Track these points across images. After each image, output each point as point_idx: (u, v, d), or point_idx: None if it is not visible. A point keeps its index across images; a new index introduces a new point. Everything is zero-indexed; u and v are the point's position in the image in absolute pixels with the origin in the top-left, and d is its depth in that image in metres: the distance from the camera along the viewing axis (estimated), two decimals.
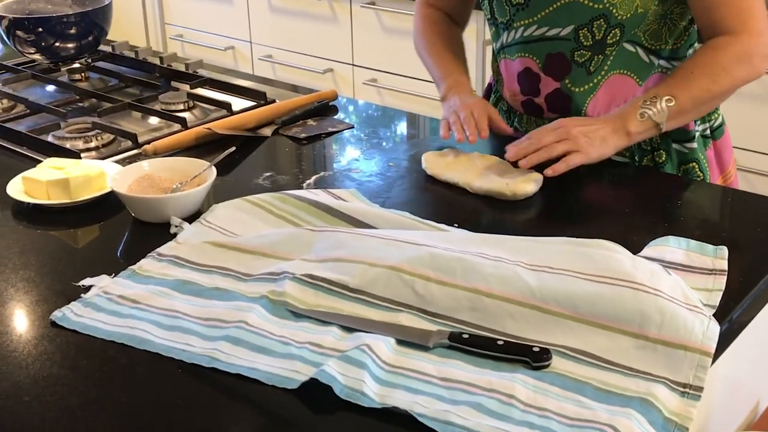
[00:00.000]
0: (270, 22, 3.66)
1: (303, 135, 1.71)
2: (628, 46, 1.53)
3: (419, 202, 1.45)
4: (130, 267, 1.21)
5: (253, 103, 1.87)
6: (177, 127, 1.74)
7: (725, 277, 1.16)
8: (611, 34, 1.51)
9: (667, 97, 1.44)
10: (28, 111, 1.83)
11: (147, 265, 1.22)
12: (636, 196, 1.46)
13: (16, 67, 2.09)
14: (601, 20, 1.49)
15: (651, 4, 1.48)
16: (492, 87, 1.80)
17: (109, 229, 1.39)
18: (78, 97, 1.91)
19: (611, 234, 1.21)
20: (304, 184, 1.49)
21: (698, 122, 1.61)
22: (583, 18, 1.50)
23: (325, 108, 1.86)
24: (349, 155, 1.64)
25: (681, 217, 1.37)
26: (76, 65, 2.09)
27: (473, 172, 1.47)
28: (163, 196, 1.35)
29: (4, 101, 1.88)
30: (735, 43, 1.45)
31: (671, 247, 1.21)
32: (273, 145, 1.69)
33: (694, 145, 1.60)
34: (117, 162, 1.57)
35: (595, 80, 1.56)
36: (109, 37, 2.15)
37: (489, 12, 1.64)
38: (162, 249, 1.25)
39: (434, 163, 1.52)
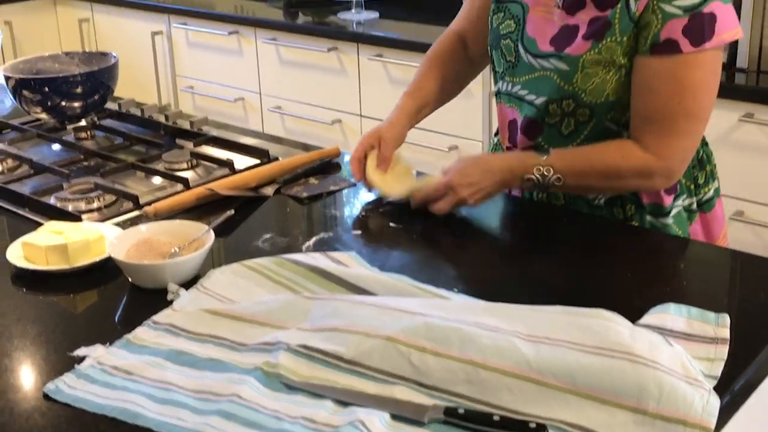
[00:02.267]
0: (279, 74, 3.69)
1: (305, 194, 1.71)
2: (610, 123, 1.57)
3: (419, 264, 1.44)
4: (125, 335, 1.21)
5: (256, 161, 1.88)
6: (180, 186, 1.74)
7: (727, 345, 1.14)
8: (580, 112, 1.56)
9: (558, 176, 1.52)
10: (32, 171, 1.84)
11: (142, 333, 1.21)
12: (637, 258, 1.44)
13: (22, 126, 2.10)
14: (571, 100, 1.56)
15: (624, 93, 1.52)
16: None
17: (107, 294, 1.38)
18: (83, 157, 1.92)
19: (611, 298, 1.19)
20: (304, 247, 1.49)
21: (682, 196, 1.61)
22: (555, 93, 1.57)
23: (328, 165, 1.86)
24: (350, 215, 1.64)
25: (683, 282, 1.36)
26: (82, 123, 2.10)
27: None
28: (159, 263, 1.34)
29: (9, 161, 1.89)
30: (640, 158, 1.50)
31: (672, 314, 1.20)
32: (274, 204, 1.69)
33: (670, 220, 1.60)
34: (118, 224, 1.57)
35: (572, 145, 1.60)
36: (120, 88, 2.16)
37: (490, 59, 1.73)
38: (158, 317, 1.25)
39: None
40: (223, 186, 1.69)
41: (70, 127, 2.10)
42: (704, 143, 1.65)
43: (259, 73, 3.75)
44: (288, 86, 3.67)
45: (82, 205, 1.66)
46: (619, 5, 1.48)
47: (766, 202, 2.57)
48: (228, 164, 1.84)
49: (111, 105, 2.21)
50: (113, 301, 1.36)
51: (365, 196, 1.70)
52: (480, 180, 1.55)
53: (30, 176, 1.82)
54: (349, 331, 1.13)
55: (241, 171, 1.81)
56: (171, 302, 1.29)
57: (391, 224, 1.58)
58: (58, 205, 1.65)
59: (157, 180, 1.81)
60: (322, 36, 3.48)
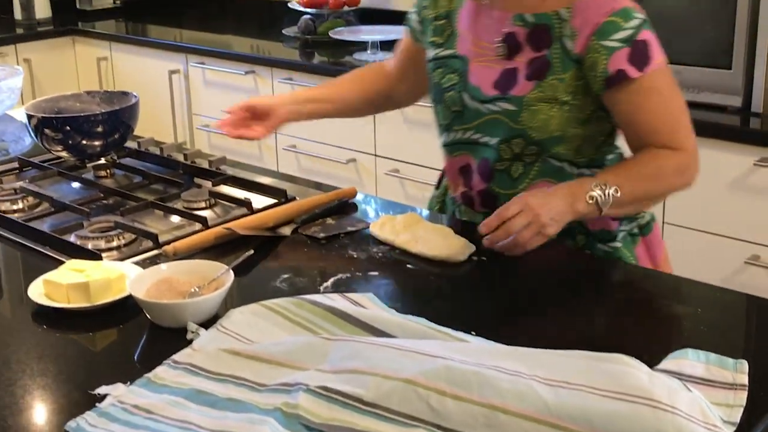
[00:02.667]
0: None
1: (322, 234, 1.72)
2: (552, 160, 1.67)
3: (436, 306, 1.44)
4: (145, 375, 1.22)
5: (274, 201, 1.89)
6: (198, 225, 1.76)
7: (746, 391, 1.14)
8: (529, 150, 1.66)
9: (615, 188, 1.56)
10: (52, 209, 1.86)
11: (162, 372, 1.22)
12: (651, 302, 1.45)
13: (42, 164, 2.13)
14: (519, 138, 1.65)
15: (568, 127, 1.63)
16: (444, 173, 1.92)
17: (127, 332, 1.39)
18: (102, 195, 1.94)
19: (628, 342, 1.20)
20: (322, 287, 1.50)
21: (624, 222, 1.73)
22: (504, 134, 1.66)
23: (344, 205, 1.87)
24: (367, 256, 1.65)
25: (700, 327, 1.36)
26: (102, 162, 2.12)
27: (415, 237, 1.63)
28: (180, 302, 1.36)
29: (29, 199, 1.91)
30: (675, 156, 1.62)
31: (690, 360, 1.20)
32: (292, 244, 1.70)
33: (618, 244, 1.72)
34: (137, 263, 1.58)
35: (520, 187, 1.69)
36: (138, 128, 2.18)
37: (435, 114, 1.81)
38: (178, 356, 1.25)
39: (382, 230, 1.68)
40: (241, 225, 1.71)
41: (89, 165, 2.12)
42: None
43: None
44: (303, 125, 3.67)
45: (102, 244, 1.67)
46: (554, 45, 1.61)
47: None
48: (246, 204, 1.85)
49: (130, 143, 2.24)
50: (133, 339, 1.37)
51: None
52: (550, 201, 1.55)
53: (50, 214, 1.84)
54: (368, 372, 1.14)
55: (258, 210, 1.82)
56: (191, 341, 1.30)
57: (408, 266, 1.59)
58: (79, 243, 1.67)
59: (175, 219, 1.83)
60: (338, 76, 3.51)
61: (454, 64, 1.73)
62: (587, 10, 1.59)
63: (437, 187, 1.95)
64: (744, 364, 1.19)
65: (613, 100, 1.61)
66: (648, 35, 1.59)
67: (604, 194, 1.55)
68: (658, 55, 1.59)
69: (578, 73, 1.60)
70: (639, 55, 1.57)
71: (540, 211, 1.53)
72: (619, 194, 1.56)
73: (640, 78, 1.57)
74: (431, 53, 1.78)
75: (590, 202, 1.55)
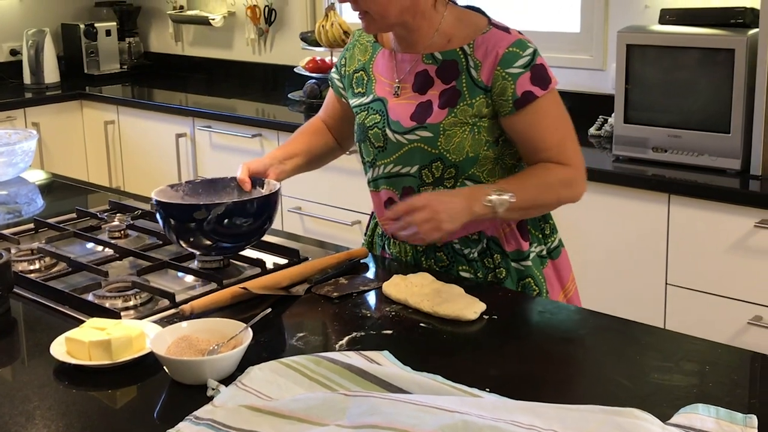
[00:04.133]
0: (300, 175, 3.76)
1: (335, 294, 1.76)
2: (468, 182, 1.85)
3: (450, 364, 1.47)
4: (168, 430, 1.24)
5: (286, 261, 1.93)
6: (213, 285, 1.79)
7: None
8: (447, 173, 1.85)
9: (510, 194, 1.75)
10: (69, 269, 1.89)
11: (185, 428, 1.24)
12: (662, 363, 1.48)
13: (58, 225, 2.17)
14: (438, 162, 1.84)
15: (480, 149, 1.83)
16: (373, 214, 2.08)
17: (147, 389, 1.42)
18: (118, 255, 1.98)
19: (638, 397, 1.22)
20: (337, 345, 1.53)
21: (534, 244, 1.93)
22: (425, 160, 1.85)
23: (356, 265, 1.91)
24: (381, 315, 1.68)
25: (709, 383, 1.39)
26: (116, 223, 2.16)
27: (427, 296, 1.69)
28: (200, 359, 1.38)
29: (47, 259, 1.95)
30: (563, 170, 1.82)
31: (701, 414, 1.23)
32: (306, 304, 1.74)
33: (529, 263, 1.91)
34: (155, 321, 1.62)
35: None
36: (143, 187, 2.21)
37: (359, 153, 2.00)
38: (199, 412, 1.28)
39: (395, 290, 1.73)
40: (256, 285, 1.74)
41: (104, 226, 2.16)
42: None
43: None
44: (308, 187, 3.75)
45: (120, 303, 1.70)
46: (462, 77, 1.82)
47: None
48: (259, 264, 1.89)
49: (143, 205, 2.28)
50: (154, 396, 1.39)
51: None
52: (452, 200, 1.74)
53: (68, 274, 1.88)
54: (387, 428, 1.16)
55: (272, 270, 1.86)
56: (211, 398, 1.33)
57: (422, 324, 1.62)
58: (97, 302, 1.70)
59: (190, 278, 1.86)
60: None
61: (376, 106, 1.93)
62: (487, 43, 1.81)
63: (365, 233, 2.13)
64: (753, 419, 1.22)
65: (518, 120, 1.81)
66: (542, 60, 1.82)
67: (500, 199, 1.74)
68: (553, 78, 1.82)
69: (485, 99, 1.81)
70: (539, 77, 1.80)
71: (440, 208, 1.71)
72: (515, 200, 1.74)
73: (542, 97, 1.79)
74: (355, 102, 1.98)
75: (487, 204, 1.74)
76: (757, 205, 2.60)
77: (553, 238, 1.97)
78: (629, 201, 2.82)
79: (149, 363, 1.45)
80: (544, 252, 1.94)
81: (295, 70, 4.24)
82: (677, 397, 1.31)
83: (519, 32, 1.84)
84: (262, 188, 1.94)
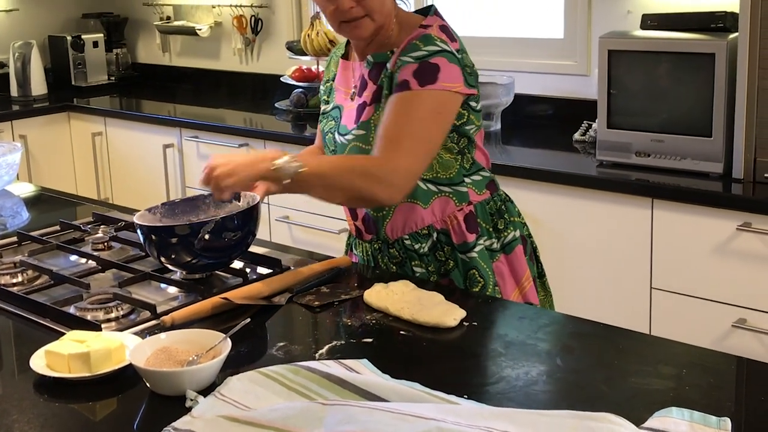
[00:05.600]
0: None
1: (316, 303, 1.76)
2: None
3: (429, 371, 1.47)
4: None
5: (269, 271, 1.94)
6: (195, 296, 1.80)
7: None
8: None
9: (300, 164, 1.73)
10: (52, 282, 1.89)
11: None
12: (639, 367, 1.49)
13: (41, 238, 2.17)
14: None
15: None
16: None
17: (127, 401, 1.42)
18: (100, 267, 1.98)
19: (614, 402, 1.23)
20: (317, 354, 1.53)
21: (483, 237, 1.95)
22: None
23: (339, 274, 1.91)
24: (361, 323, 1.68)
25: (686, 387, 1.40)
26: (99, 235, 2.17)
27: (407, 304, 1.69)
28: (178, 370, 1.39)
29: (29, 272, 1.95)
30: (369, 160, 1.81)
31: (675, 418, 1.23)
32: (287, 313, 1.74)
33: (474, 254, 1.93)
34: (136, 333, 1.62)
35: (388, 208, 1.94)
36: (130, 199, 2.22)
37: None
38: (177, 423, 1.28)
39: (376, 298, 1.73)
40: (237, 295, 1.75)
41: (87, 238, 2.16)
42: (506, 199, 2.03)
43: None
44: (296, 196, 3.75)
45: (101, 315, 1.71)
46: (385, 71, 1.88)
47: (767, 310, 2.61)
48: (242, 274, 1.90)
49: (128, 217, 2.29)
50: (133, 408, 1.40)
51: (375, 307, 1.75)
52: (242, 157, 1.75)
53: (50, 286, 1.88)
54: None
55: (254, 280, 1.87)
56: (189, 409, 1.33)
57: (401, 332, 1.63)
58: (78, 314, 1.71)
59: (172, 290, 1.87)
60: None
61: (334, 113, 2.03)
62: (406, 38, 1.87)
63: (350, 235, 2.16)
64: (727, 422, 1.23)
65: (388, 101, 1.83)
66: (442, 62, 1.81)
67: (288, 165, 1.72)
68: (445, 81, 1.80)
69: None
70: (423, 72, 1.80)
71: (231, 160, 1.72)
72: (302, 170, 1.72)
73: (415, 91, 1.80)
74: (321, 110, 2.08)
75: (272, 168, 1.72)
76: (740, 208, 2.61)
77: (506, 233, 1.99)
78: (613, 206, 2.83)
79: (129, 375, 1.45)
80: (496, 245, 1.97)
81: (281, 79, 4.25)
82: (654, 401, 1.32)
83: (445, 32, 1.86)
84: (239, 201, 1.94)
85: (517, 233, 2.01)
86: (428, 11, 1.95)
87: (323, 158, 1.94)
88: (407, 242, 1.96)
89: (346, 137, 1.94)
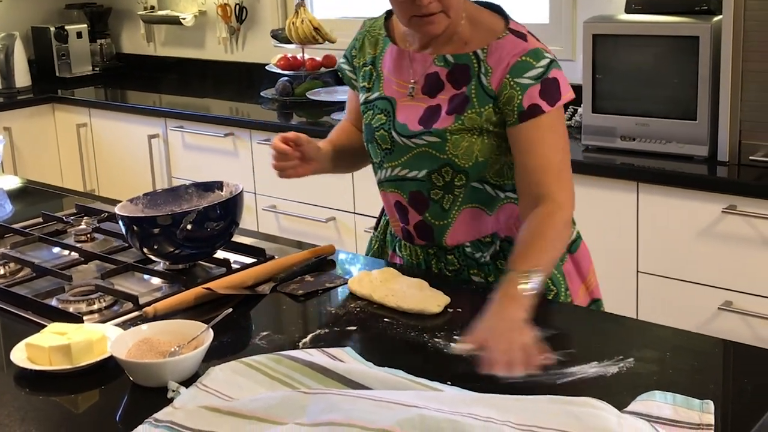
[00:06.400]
0: (274, 173, 3.75)
1: (300, 292, 1.76)
2: (476, 185, 1.79)
3: (412, 358, 1.47)
4: None
5: (253, 260, 1.93)
6: (178, 286, 1.79)
7: (712, 431, 1.17)
8: (457, 178, 1.77)
9: (535, 269, 1.56)
10: (34, 274, 1.88)
11: (144, 431, 1.24)
12: (622, 351, 1.48)
13: (23, 230, 2.15)
14: (447, 167, 1.77)
15: (491, 154, 1.76)
16: (383, 211, 2.00)
17: (109, 393, 1.42)
18: (83, 259, 1.97)
19: (598, 387, 1.23)
20: (300, 344, 1.53)
21: None
22: (433, 164, 1.78)
23: (322, 262, 1.91)
24: (345, 311, 1.68)
25: (669, 370, 1.39)
26: (82, 226, 2.15)
27: (392, 291, 1.68)
28: (160, 361, 1.38)
29: (11, 264, 1.94)
30: (558, 215, 1.69)
31: (658, 401, 1.23)
32: (271, 302, 1.74)
33: None
34: (118, 324, 1.61)
35: (451, 215, 1.82)
36: (115, 190, 2.20)
37: (368, 153, 1.91)
38: (159, 414, 1.28)
39: (360, 286, 1.72)
40: (220, 285, 1.74)
41: (70, 230, 2.15)
42: None
43: (254, 173, 3.83)
44: (282, 185, 3.74)
45: (83, 307, 1.70)
46: (472, 82, 1.74)
47: (753, 292, 2.62)
48: (225, 263, 1.89)
49: (110, 208, 2.27)
50: (115, 400, 1.39)
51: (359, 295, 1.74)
52: (508, 323, 1.48)
53: (32, 279, 1.87)
54: (345, 424, 1.16)
55: (237, 270, 1.86)
56: (171, 400, 1.32)
57: (386, 320, 1.62)
58: (60, 306, 1.70)
59: (156, 280, 1.86)
60: (316, 136, 3.52)
61: (382, 105, 1.85)
62: (501, 49, 1.73)
63: (376, 227, 2.05)
64: (710, 405, 1.23)
65: (521, 133, 1.72)
66: (557, 74, 1.73)
67: (532, 280, 1.54)
68: (566, 92, 1.73)
69: (495, 107, 1.73)
70: (549, 91, 1.71)
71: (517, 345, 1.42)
72: (541, 273, 1.56)
73: (549, 112, 1.70)
74: (362, 97, 1.90)
75: (529, 293, 1.53)
76: (725, 191, 2.61)
77: (571, 231, 1.86)
78: (599, 190, 2.83)
79: (111, 367, 1.45)
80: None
81: (267, 68, 4.23)
82: (637, 384, 1.32)
83: (537, 39, 1.76)
84: (222, 191, 1.93)
85: (577, 229, 1.89)
86: (491, 5, 1.82)
87: (531, 248, 1.64)
88: (468, 250, 1.83)
89: (413, 140, 1.78)
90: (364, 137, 1.91)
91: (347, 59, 1.95)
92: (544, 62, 1.72)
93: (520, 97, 1.70)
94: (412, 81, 1.81)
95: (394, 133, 1.82)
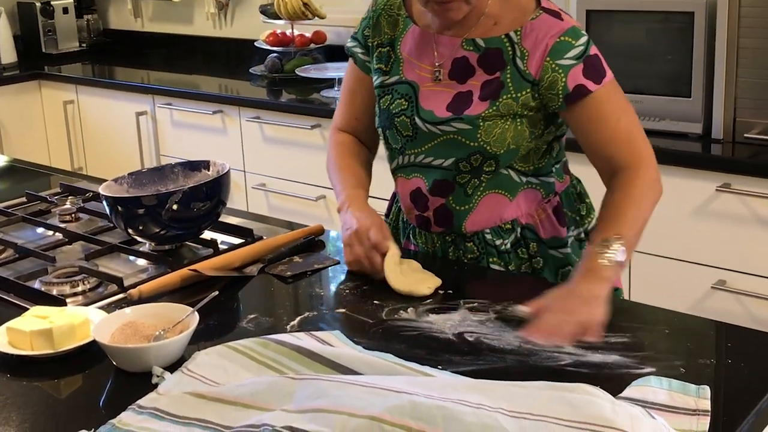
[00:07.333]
0: (263, 151, 3.73)
1: (288, 273, 1.72)
2: (503, 170, 1.72)
3: (403, 342, 1.44)
4: (110, 421, 1.21)
5: (241, 241, 1.89)
6: (164, 268, 1.75)
7: (709, 417, 1.15)
8: (487, 164, 1.70)
9: (615, 236, 1.55)
10: (17, 255, 1.84)
11: (127, 418, 1.21)
12: (616, 334, 1.46)
13: (6, 210, 2.11)
14: (477, 154, 1.69)
15: (523, 141, 1.68)
16: (395, 197, 1.92)
17: (92, 378, 1.39)
18: (67, 240, 1.93)
19: (591, 371, 1.20)
20: (288, 326, 1.50)
21: (572, 227, 1.79)
22: (462, 152, 1.69)
23: (312, 243, 1.87)
24: (334, 293, 1.65)
25: (664, 353, 1.37)
26: (67, 206, 2.11)
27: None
28: (144, 345, 1.35)
29: None
30: (639, 175, 1.64)
31: (653, 387, 1.21)
32: (259, 284, 1.70)
33: (568, 249, 1.78)
34: (102, 307, 1.58)
35: (473, 200, 1.74)
36: (103, 168, 2.17)
37: (384, 139, 1.82)
38: (142, 401, 1.25)
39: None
40: (207, 266, 1.70)
41: (54, 210, 2.11)
42: (579, 181, 1.87)
43: (243, 151, 3.79)
44: (272, 163, 3.71)
45: (67, 289, 1.66)
46: (507, 67, 1.66)
47: (746, 271, 2.60)
48: (212, 244, 1.85)
49: (95, 187, 2.23)
50: (98, 385, 1.36)
51: (349, 275, 1.71)
52: (582, 293, 1.49)
53: (14, 260, 1.83)
54: (334, 411, 1.13)
55: (225, 251, 1.82)
56: (156, 386, 1.29)
57: (375, 302, 1.59)
58: (43, 289, 1.66)
59: (141, 262, 1.82)
60: (306, 114, 3.53)
61: (402, 90, 1.75)
62: (537, 31, 1.65)
63: (387, 214, 1.95)
64: (706, 390, 1.20)
65: (573, 115, 1.66)
66: (595, 50, 1.66)
67: (612, 248, 1.53)
68: (608, 70, 1.67)
69: (533, 92, 1.65)
70: (593, 70, 1.64)
71: (584, 316, 1.45)
72: (621, 239, 1.54)
73: (597, 90, 1.63)
74: (377, 80, 1.80)
75: (609, 265, 1.52)
76: (719, 169, 2.58)
77: (589, 219, 1.83)
78: (590, 168, 2.79)
79: (94, 351, 1.41)
80: (582, 234, 1.81)
81: (256, 44, 4.18)
82: (630, 368, 1.29)
83: (570, 16, 1.69)
84: (208, 170, 1.90)
85: (595, 215, 1.79)
86: None
87: (614, 216, 1.61)
88: (488, 237, 1.75)
89: (440, 127, 1.69)
90: (378, 122, 1.81)
91: (358, 41, 1.84)
92: (583, 39, 1.64)
93: (564, 79, 1.62)
94: (437, 65, 1.72)
95: (417, 120, 1.72)
